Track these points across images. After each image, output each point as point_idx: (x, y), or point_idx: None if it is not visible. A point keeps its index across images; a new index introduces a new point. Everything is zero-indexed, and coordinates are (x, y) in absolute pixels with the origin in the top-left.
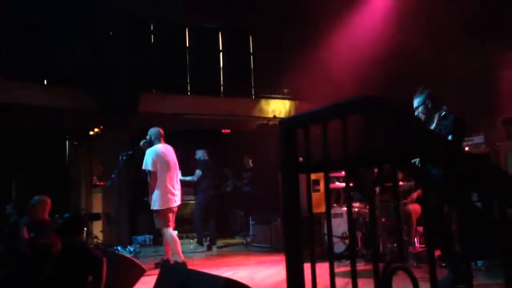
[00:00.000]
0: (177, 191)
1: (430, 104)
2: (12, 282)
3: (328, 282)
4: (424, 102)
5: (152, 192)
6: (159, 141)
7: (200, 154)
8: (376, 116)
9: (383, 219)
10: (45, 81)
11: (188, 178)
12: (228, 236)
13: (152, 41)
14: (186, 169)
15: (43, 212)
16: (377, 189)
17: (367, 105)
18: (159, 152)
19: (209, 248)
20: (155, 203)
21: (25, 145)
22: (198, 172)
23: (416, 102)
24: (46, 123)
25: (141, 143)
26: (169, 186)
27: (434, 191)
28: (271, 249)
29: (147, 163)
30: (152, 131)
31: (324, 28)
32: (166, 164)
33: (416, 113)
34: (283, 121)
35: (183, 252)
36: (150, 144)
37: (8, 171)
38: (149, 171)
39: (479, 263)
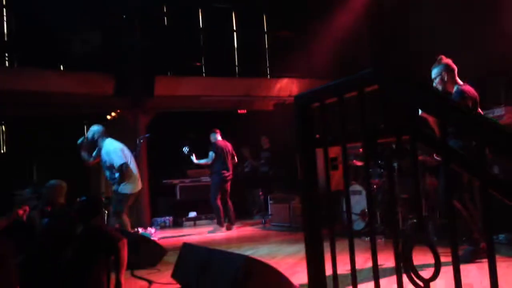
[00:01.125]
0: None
1: (446, 77)
2: (32, 267)
3: (347, 259)
4: (440, 73)
5: (124, 181)
6: (103, 139)
7: (213, 136)
8: (392, 89)
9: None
10: (61, 67)
11: (202, 161)
12: (246, 216)
13: (165, 23)
14: (202, 152)
15: (59, 196)
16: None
17: (382, 77)
18: (120, 145)
19: (229, 228)
20: (127, 188)
21: (45, 131)
22: (211, 154)
23: (433, 73)
24: (64, 108)
25: (79, 141)
26: (136, 173)
27: (455, 163)
28: (290, 228)
29: (116, 159)
30: (95, 129)
31: (339, 4)
32: (130, 154)
33: (434, 84)
34: (299, 96)
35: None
36: (93, 142)
37: (29, 157)
38: (122, 164)
39: (501, 236)
